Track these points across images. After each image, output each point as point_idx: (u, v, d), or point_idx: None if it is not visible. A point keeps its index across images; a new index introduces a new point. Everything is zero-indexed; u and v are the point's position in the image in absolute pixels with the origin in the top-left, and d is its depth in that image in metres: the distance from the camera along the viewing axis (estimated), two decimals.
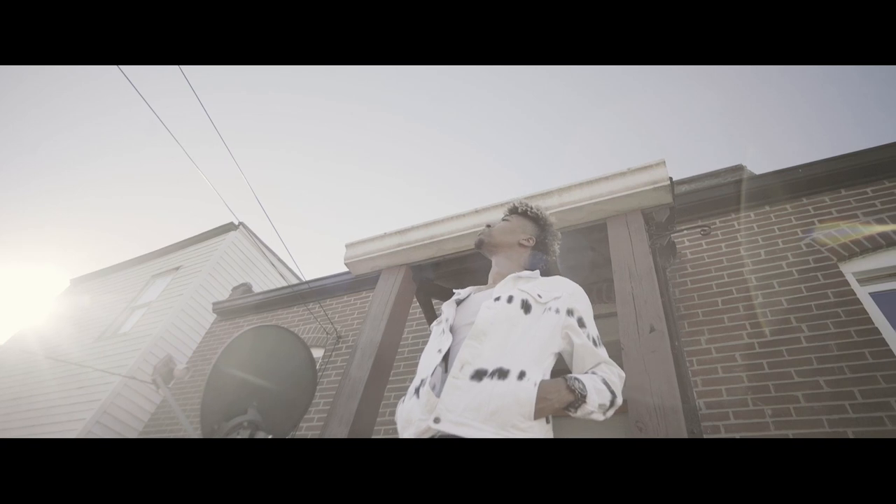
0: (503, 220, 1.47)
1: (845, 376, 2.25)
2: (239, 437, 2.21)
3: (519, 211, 1.50)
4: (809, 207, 3.07)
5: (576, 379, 1.02)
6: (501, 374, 0.99)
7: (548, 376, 1.08)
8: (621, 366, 1.86)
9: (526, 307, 1.13)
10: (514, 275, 1.27)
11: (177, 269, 7.57)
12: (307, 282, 5.21)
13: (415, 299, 3.14)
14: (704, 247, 3.21)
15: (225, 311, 5.88)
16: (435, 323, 1.30)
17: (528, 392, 0.97)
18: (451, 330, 1.17)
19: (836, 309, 2.50)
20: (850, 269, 2.68)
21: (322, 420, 3.62)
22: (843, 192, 3.03)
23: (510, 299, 1.15)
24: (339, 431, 2.19)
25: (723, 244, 3.16)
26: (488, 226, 1.44)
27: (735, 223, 3.25)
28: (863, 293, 2.57)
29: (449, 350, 1.10)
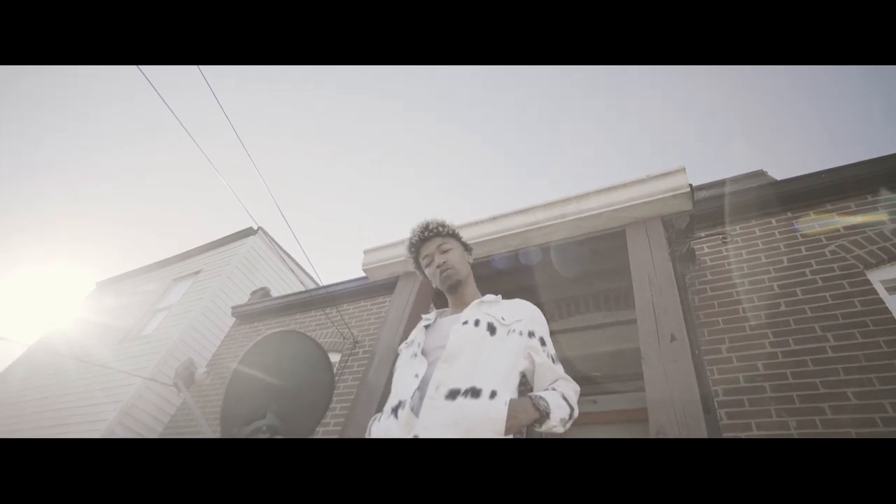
0: (445, 250, 1.42)
1: (874, 388, 2.18)
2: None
3: (450, 233, 1.47)
4: (834, 214, 3.00)
5: (540, 397, 1.12)
6: (474, 392, 1.07)
7: (514, 394, 1.16)
8: (638, 374, 1.85)
9: (492, 330, 1.21)
10: (478, 300, 1.35)
11: (197, 273, 7.71)
12: (324, 286, 5.26)
13: (432, 306, 3.16)
14: (725, 253, 3.15)
15: (243, 315, 5.97)
16: (404, 345, 1.36)
17: (499, 411, 1.04)
18: (424, 353, 1.23)
19: (864, 318, 2.43)
20: (877, 277, 2.61)
21: (339, 425, 3.65)
22: (870, 198, 2.95)
23: (476, 323, 1.23)
24: (357, 437, 2.21)
25: (743, 251, 3.10)
26: (442, 263, 1.39)
27: (756, 229, 3.19)
28: (892, 302, 2.49)
29: (426, 374, 1.16)
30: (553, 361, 1.24)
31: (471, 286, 1.43)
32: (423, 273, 1.50)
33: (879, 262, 2.63)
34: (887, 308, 2.43)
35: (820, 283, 2.69)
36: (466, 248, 1.50)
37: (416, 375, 1.15)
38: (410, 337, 1.35)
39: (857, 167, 3.04)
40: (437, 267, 1.39)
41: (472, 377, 1.09)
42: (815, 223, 3.01)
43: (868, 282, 2.57)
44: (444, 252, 1.41)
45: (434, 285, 1.46)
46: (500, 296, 1.40)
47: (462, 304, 1.36)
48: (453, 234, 1.48)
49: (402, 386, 1.18)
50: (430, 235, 1.45)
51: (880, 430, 2.05)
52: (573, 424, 1.18)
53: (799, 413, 2.25)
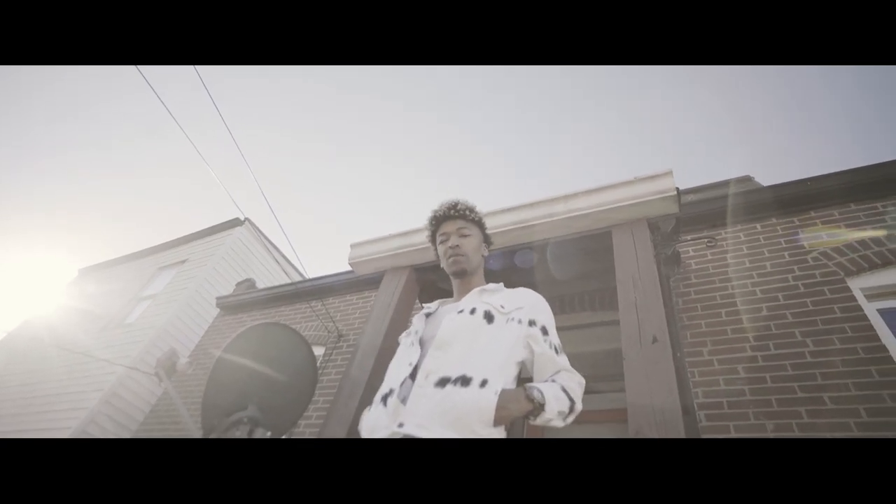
0: (463, 235, 1.40)
1: (851, 393, 2.22)
2: (238, 432, 2.22)
3: (474, 220, 1.45)
4: (817, 221, 3.04)
5: (535, 388, 1.06)
6: (464, 381, 1.03)
7: (511, 384, 1.12)
8: (622, 375, 1.85)
9: (489, 318, 1.18)
10: (479, 288, 1.33)
11: (182, 262, 7.62)
12: (310, 279, 5.23)
13: (418, 301, 3.14)
14: (709, 257, 3.18)
15: (228, 306, 5.91)
16: (404, 334, 1.34)
17: (488, 400, 1.01)
18: (420, 342, 1.20)
19: (843, 324, 2.47)
20: (857, 285, 2.65)
21: (321, 418, 3.63)
22: (853, 207, 2.99)
23: (473, 311, 1.20)
24: (338, 431, 2.20)
25: (728, 255, 3.13)
26: (456, 246, 1.37)
27: (741, 234, 3.22)
28: (870, 309, 2.53)
29: (418, 363, 1.13)
30: (556, 352, 1.18)
31: (478, 277, 1.40)
32: (435, 248, 1.48)
33: (860, 270, 2.67)
34: (865, 315, 2.46)
35: (801, 290, 2.72)
36: (486, 240, 1.48)
37: (410, 364, 1.13)
38: (411, 326, 1.33)
39: (840, 176, 3.09)
40: (450, 248, 1.37)
41: (464, 366, 1.06)
42: (798, 230, 3.05)
43: (848, 289, 2.61)
44: (463, 236, 1.39)
45: (441, 265, 1.43)
46: (501, 284, 1.38)
47: (465, 293, 1.34)
48: (477, 222, 1.45)
49: (395, 374, 1.16)
50: (455, 215, 1.42)
51: (855, 435, 2.09)
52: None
53: (776, 416, 2.28)
